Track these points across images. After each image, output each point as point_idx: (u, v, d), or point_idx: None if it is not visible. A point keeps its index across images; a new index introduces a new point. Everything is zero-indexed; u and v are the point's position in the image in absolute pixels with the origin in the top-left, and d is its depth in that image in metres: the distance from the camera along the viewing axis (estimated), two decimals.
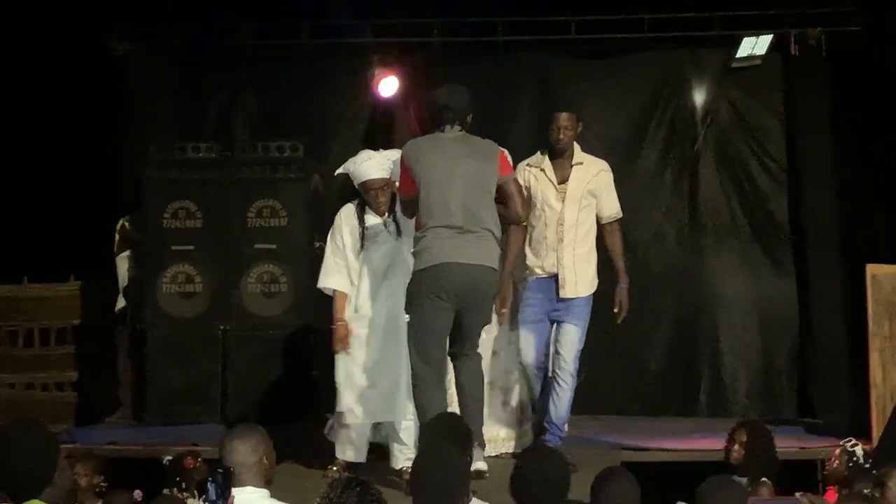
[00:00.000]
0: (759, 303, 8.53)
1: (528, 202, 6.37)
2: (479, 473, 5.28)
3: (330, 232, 6.38)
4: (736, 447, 5.72)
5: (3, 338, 8.72)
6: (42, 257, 8.53)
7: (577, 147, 6.49)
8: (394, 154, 6.17)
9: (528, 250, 6.47)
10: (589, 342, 8.20)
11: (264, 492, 4.18)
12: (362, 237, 6.19)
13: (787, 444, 6.80)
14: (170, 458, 5.99)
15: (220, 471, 3.72)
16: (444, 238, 5.48)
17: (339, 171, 6.43)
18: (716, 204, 8.67)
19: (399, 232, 6.15)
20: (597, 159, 6.64)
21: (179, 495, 5.87)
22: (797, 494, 3.25)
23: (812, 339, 8.28)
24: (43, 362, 8.66)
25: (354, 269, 6.24)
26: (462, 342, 5.69)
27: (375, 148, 6.59)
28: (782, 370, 8.44)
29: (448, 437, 4.42)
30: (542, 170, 6.42)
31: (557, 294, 6.36)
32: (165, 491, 5.90)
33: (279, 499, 4.32)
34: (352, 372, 6.17)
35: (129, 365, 8.49)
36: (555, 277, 6.36)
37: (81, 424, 8.06)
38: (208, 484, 3.72)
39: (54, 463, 3.73)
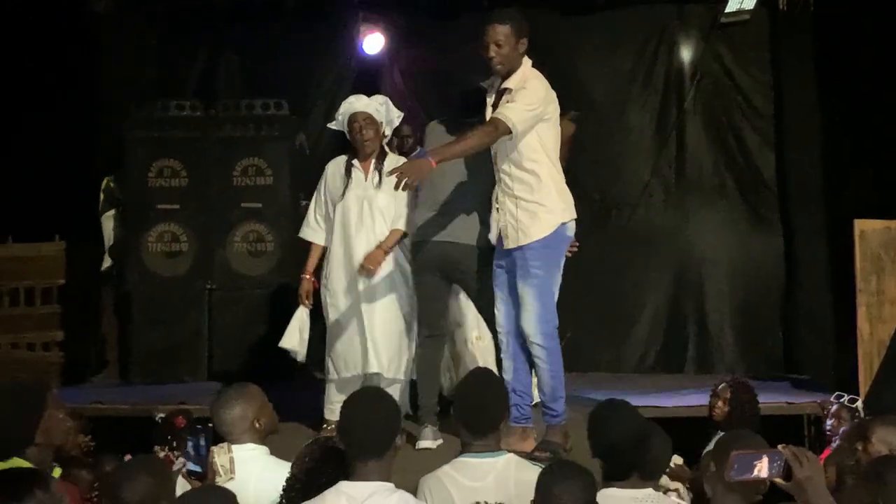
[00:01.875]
0: (745, 260, 8.54)
1: None
2: None
3: (319, 182, 6.34)
4: (719, 404, 5.77)
5: None
6: (26, 217, 8.47)
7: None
8: (381, 98, 6.25)
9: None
10: (574, 300, 8.26)
11: (264, 449, 4.20)
12: (345, 187, 6.13)
13: (774, 400, 6.85)
14: (162, 416, 5.98)
15: (201, 429, 3.70)
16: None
17: (331, 124, 6.35)
18: (703, 162, 8.66)
19: (380, 181, 6.10)
20: None
21: (170, 455, 5.87)
22: (780, 447, 3.24)
23: (798, 296, 8.30)
24: (28, 322, 8.64)
25: (333, 219, 6.19)
26: None
27: None
28: (768, 327, 8.47)
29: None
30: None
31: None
32: (156, 448, 5.91)
33: (274, 454, 4.35)
34: (333, 328, 6.18)
35: (114, 324, 8.48)
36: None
37: (67, 384, 8.05)
38: (189, 442, 3.71)
39: (34, 424, 3.73)
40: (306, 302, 6.21)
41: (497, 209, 5.65)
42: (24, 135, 8.50)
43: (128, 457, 5.55)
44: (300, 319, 6.25)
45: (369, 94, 7.09)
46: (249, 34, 8.80)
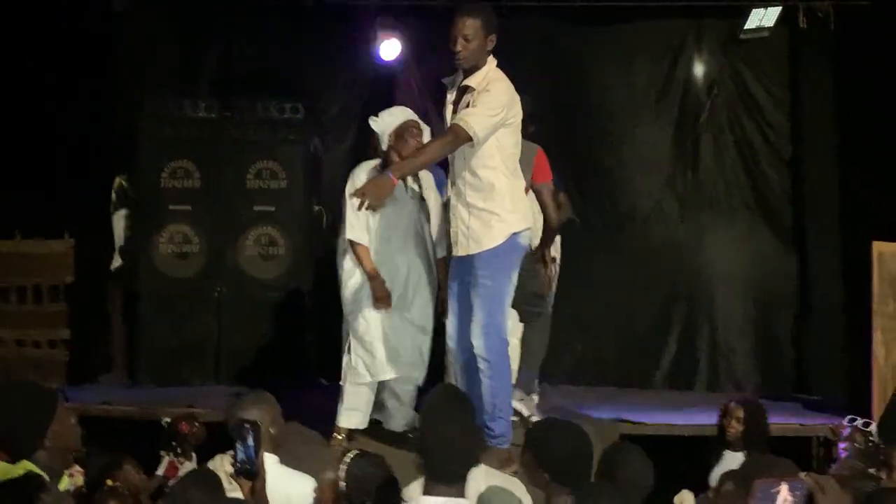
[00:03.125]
0: (759, 276, 8.49)
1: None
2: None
3: (347, 187, 6.19)
4: (733, 423, 5.72)
5: None
6: (35, 213, 8.44)
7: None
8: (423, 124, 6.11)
9: None
10: (585, 313, 8.22)
11: (274, 458, 4.16)
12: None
13: (784, 421, 6.81)
14: (168, 420, 5.94)
15: (247, 426, 3.62)
16: None
17: (374, 122, 6.20)
18: (717, 177, 8.61)
19: (422, 195, 6.06)
20: None
21: (175, 460, 5.83)
22: (802, 475, 3.21)
23: (812, 315, 8.25)
24: (35, 319, 8.58)
25: (371, 228, 6.12)
26: None
27: (375, 113, 6.55)
28: (781, 346, 8.42)
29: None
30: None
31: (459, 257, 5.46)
32: (162, 454, 5.87)
33: (283, 463, 4.31)
34: (364, 333, 6.05)
35: (122, 325, 8.43)
36: None
37: (74, 383, 8.00)
38: (236, 444, 3.64)
39: (44, 427, 3.69)
40: (387, 306, 5.94)
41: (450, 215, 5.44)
42: (34, 130, 8.46)
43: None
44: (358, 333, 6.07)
45: (385, 99, 7.09)
46: (267, 36, 8.76)
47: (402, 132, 5.97)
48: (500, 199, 5.27)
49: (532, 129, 6.00)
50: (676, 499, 5.14)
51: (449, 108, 5.36)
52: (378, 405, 6.16)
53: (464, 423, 3.56)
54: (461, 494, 3.47)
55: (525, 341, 6.33)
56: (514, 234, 5.29)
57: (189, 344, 8.07)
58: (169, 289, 8.10)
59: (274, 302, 8.10)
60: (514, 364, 5.90)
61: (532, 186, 6.05)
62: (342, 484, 3.78)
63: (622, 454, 4.03)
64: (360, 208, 5.04)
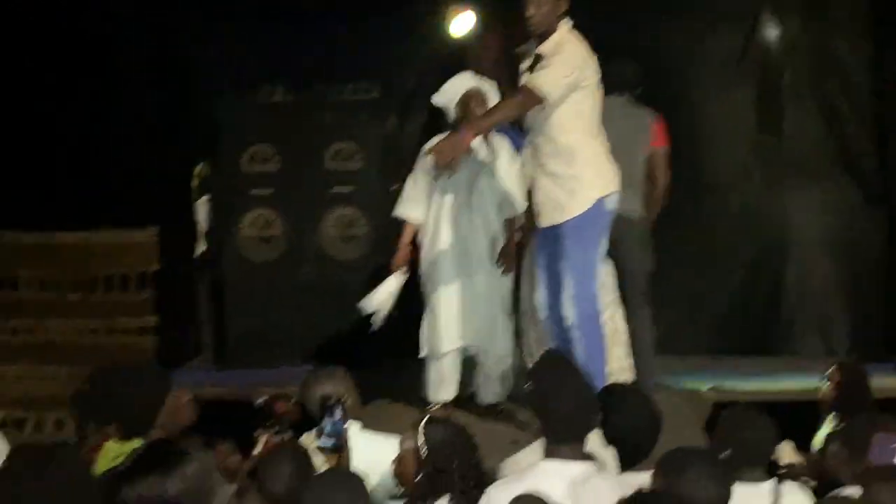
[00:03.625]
0: (846, 239, 8.33)
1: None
2: None
3: (419, 163, 6.25)
4: (829, 386, 5.64)
5: (83, 284, 8.78)
6: (119, 204, 8.55)
7: None
8: (487, 82, 6.17)
9: None
10: (672, 282, 8.14)
11: (357, 423, 4.17)
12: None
13: (879, 383, 6.68)
14: (261, 400, 5.98)
15: (334, 403, 3.66)
16: None
17: (436, 98, 6.23)
18: (802, 139, 8.43)
19: (495, 153, 6.05)
20: None
21: (271, 438, 5.88)
22: None
23: None
24: (123, 307, 8.70)
25: (432, 197, 6.12)
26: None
27: None
28: (871, 308, 8.25)
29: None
30: None
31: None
32: (258, 433, 5.92)
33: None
34: (434, 303, 6.10)
35: (209, 310, 8.53)
36: None
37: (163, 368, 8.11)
38: (325, 418, 3.67)
39: (157, 406, 3.75)
40: (403, 269, 6.08)
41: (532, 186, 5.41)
42: (116, 122, 8.57)
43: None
44: (392, 286, 6.15)
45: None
46: (339, 17, 8.75)
47: (466, 101, 5.97)
48: (582, 165, 5.22)
49: (638, 92, 6.07)
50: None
51: (524, 77, 5.30)
52: (471, 379, 6.18)
53: (581, 386, 3.57)
54: (582, 457, 3.45)
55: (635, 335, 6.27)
56: (600, 199, 5.23)
57: (274, 327, 8.14)
58: (253, 273, 8.19)
59: (356, 282, 8.11)
60: None
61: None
62: (423, 450, 3.77)
63: (746, 417, 3.97)
64: (436, 170, 5.01)
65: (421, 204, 6.16)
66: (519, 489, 3.27)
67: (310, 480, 3.36)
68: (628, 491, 3.13)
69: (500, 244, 6.05)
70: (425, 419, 3.91)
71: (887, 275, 8.23)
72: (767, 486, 3.78)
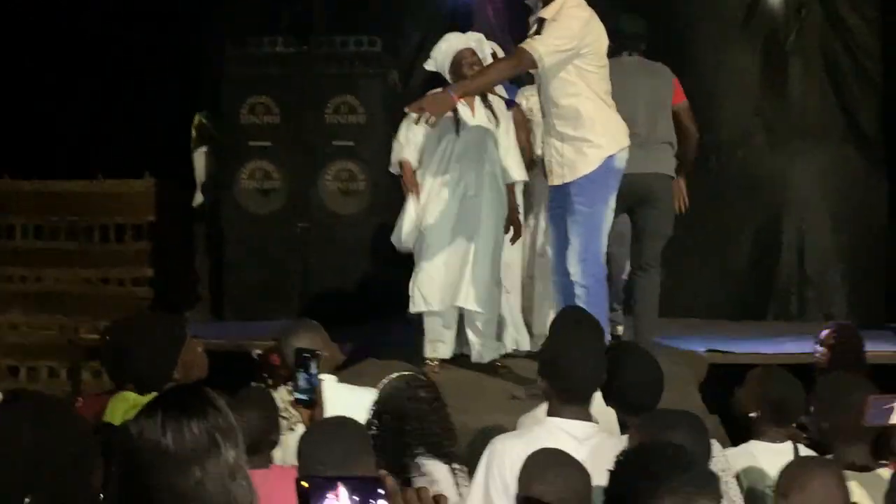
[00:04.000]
0: (849, 204, 8.30)
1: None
2: None
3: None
4: (822, 350, 5.62)
5: (79, 233, 8.74)
6: (116, 153, 8.50)
7: None
8: (474, 35, 6.18)
9: None
10: (672, 244, 8.11)
11: (332, 377, 4.15)
12: (457, 124, 5.99)
13: (878, 349, 6.67)
14: (259, 352, 5.96)
15: (307, 355, 3.64)
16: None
17: (429, 65, 6.24)
18: (806, 103, 8.39)
19: (496, 119, 6.03)
20: None
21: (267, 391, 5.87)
22: None
23: None
24: (118, 258, 8.68)
25: (427, 150, 6.08)
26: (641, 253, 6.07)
27: None
28: (872, 274, 8.25)
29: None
30: None
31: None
32: (252, 385, 5.91)
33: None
34: (425, 261, 6.09)
35: (206, 261, 8.49)
36: None
37: None
38: (299, 371, 3.66)
39: (174, 358, 3.69)
40: (416, 191, 6.04)
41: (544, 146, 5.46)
42: (114, 71, 8.50)
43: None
44: (413, 212, 6.12)
45: (463, 31, 7.00)
46: None
47: (458, 62, 5.93)
48: (588, 125, 5.24)
49: (643, 48, 6.23)
50: None
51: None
52: (466, 338, 6.17)
53: (594, 346, 3.55)
54: (587, 417, 3.45)
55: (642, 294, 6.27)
56: (609, 157, 5.25)
57: (273, 279, 8.11)
58: (251, 225, 8.14)
59: (356, 237, 8.10)
60: None
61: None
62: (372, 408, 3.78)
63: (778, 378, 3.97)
64: (417, 123, 5.16)
65: (414, 149, 6.13)
66: (525, 443, 3.27)
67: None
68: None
69: (499, 208, 6.04)
70: (392, 376, 3.89)
71: (889, 240, 8.21)
72: (787, 446, 3.79)
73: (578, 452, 3.19)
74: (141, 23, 8.34)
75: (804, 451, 3.85)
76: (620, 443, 3.27)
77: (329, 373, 4.17)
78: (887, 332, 7.47)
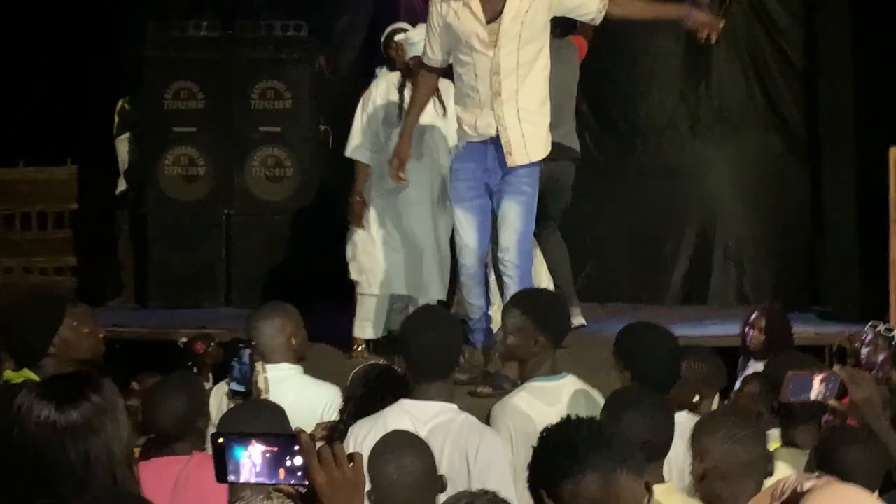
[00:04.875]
0: (773, 190, 8.40)
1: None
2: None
3: (362, 99, 6.26)
4: (755, 332, 5.70)
5: (0, 221, 8.60)
6: (38, 140, 8.36)
7: None
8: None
9: (456, 105, 5.50)
10: (597, 230, 8.16)
11: (298, 368, 4.15)
12: (400, 109, 6.03)
13: (800, 331, 6.77)
14: (184, 339, 5.91)
15: (243, 347, 3.64)
16: None
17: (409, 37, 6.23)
18: (730, 90, 8.46)
19: (444, 110, 6.06)
20: None
21: None
22: (835, 368, 3.18)
23: (824, 227, 8.18)
24: (41, 246, 8.57)
25: (379, 142, 6.11)
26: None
27: (381, 28, 6.61)
28: (795, 258, 8.36)
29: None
30: (466, 4, 5.20)
31: (502, 163, 5.30)
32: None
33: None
34: (375, 244, 6.12)
35: (130, 249, 8.37)
36: (493, 141, 5.29)
37: None
38: (233, 362, 3.64)
39: (48, 335, 3.67)
40: (363, 225, 6.15)
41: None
42: (35, 56, 8.34)
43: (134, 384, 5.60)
44: (357, 244, 6.22)
45: (388, 15, 7.06)
46: None
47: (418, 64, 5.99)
48: (546, 107, 5.32)
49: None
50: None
51: (478, 23, 5.21)
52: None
53: (443, 328, 3.62)
54: (440, 398, 3.49)
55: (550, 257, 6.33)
56: None
57: (198, 267, 8.02)
58: (176, 212, 8.03)
59: (283, 224, 8.04)
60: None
61: None
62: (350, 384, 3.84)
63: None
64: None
65: (368, 146, 6.25)
66: (377, 427, 3.37)
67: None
68: (489, 434, 3.29)
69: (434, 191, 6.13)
70: (364, 365, 3.97)
71: (811, 225, 8.33)
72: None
73: (420, 434, 3.24)
74: (60, 2, 8.19)
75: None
76: (468, 422, 3.34)
77: (295, 362, 4.17)
78: (810, 316, 7.59)
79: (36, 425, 2.05)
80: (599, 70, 8.31)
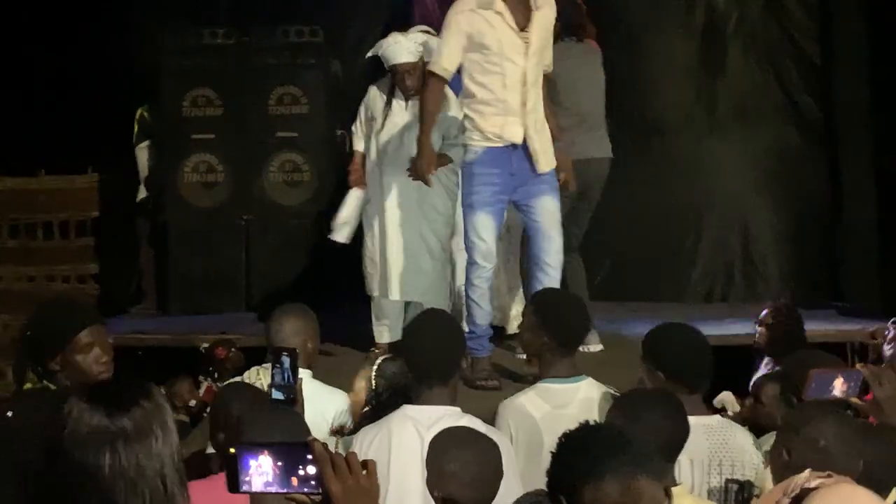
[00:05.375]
0: (791, 185, 8.36)
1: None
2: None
3: (362, 104, 6.46)
4: (762, 330, 5.69)
5: (22, 230, 8.66)
6: (59, 149, 8.41)
7: None
8: (421, 37, 6.25)
9: (471, 112, 5.58)
10: (615, 228, 8.15)
11: (307, 372, 4.15)
12: (384, 117, 6.21)
13: (819, 328, 6.75)
14: (206, 345, 5.95)
15: (285, 354, 3.61)
16: None
17: (370, 53, 6.40)
18: (747, 87, 8.44)
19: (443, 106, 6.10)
20: None
21: (212, 385, 5.85)
22: (858, 366, 3.18)
23: (844, 223, 8.15)
24: (63, 254, 8.62)
25: (374, 143, 6.30)
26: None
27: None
28: (815, 254, 8.32)
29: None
30: (499, 13, 5.35)
31: (527, 168, 5.49)
32: (200, 379, 5.89)
33: (320, 380, 4.30)
34: (379, 250, 6.17)
35: (151, 256, 8.42)
36: (515, 147, 5.46)
37: (105, 316, 7.97)
38: (273, 369, 3.63)
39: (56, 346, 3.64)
40: (358, 182, 6.37)
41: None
42: (55, 66, 8.40)
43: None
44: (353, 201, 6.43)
45: (402, 20, 7.08)
46: None
47: (396, 76, 6.16)
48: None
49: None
50: (716, 401, 5.15)
51: (513, 32, 5.40)
52: None
53: (441, 335, 3.64)
54: (443, 401, 3.51)
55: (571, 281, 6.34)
56: None
57: (218, 273, 8.06)
58: (195, 218, 8.08)
59: (301, 228, 8.07)
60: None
61: None
62: (373, 382, 3.82)
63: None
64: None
65: (363, 141, 6.46)
66: (381, 433, 3.42)
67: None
68: (492, 435, 3.25)
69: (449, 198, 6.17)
70: (383, 357, 3.96)
71: (830, 220, 8.29)
72: (716, 419, 3.82)
73: (424, 439, 3.24)
74: (77, 13, 8.24)
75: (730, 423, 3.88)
76: (471, 424, 3.34)
77: (306, 366, 4.17)
78: (831, 312, 7.56)
79: (87, 431, 2.03)
80: (615, 68, 8.34)
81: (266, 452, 1.90)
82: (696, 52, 8.50)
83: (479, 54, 5.37)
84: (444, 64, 5.45)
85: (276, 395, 3.57)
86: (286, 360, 3.55)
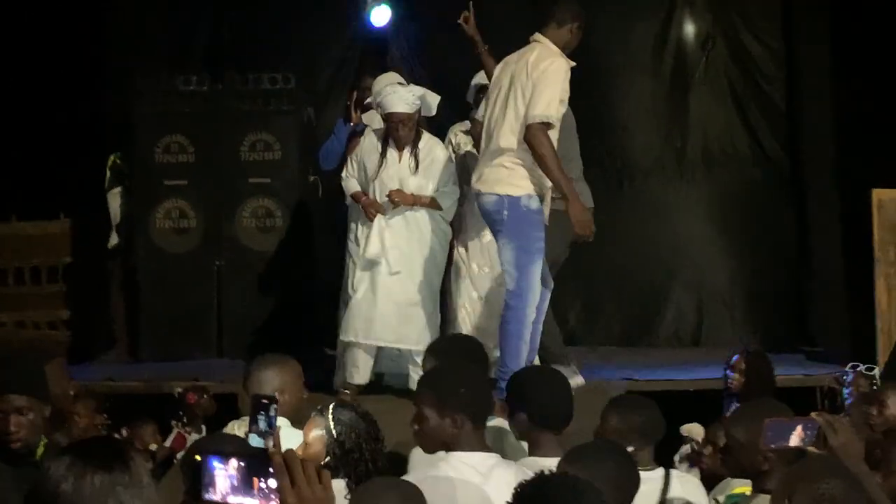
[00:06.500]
0: (758, 229, 8.47)
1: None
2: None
3: (353, 153, 6.55)
4: (735, 375, 5.72)
5: None
6: (31, 195, 8.39)
7: None
8: (419, 90, 6.38)
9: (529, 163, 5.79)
10: (586, 272, 8.21)
11: (286, 421, 4.11)
12: (379, 166, 6.28)
13: (788, 372, 6.80)
14: (180, 390, 5.94)
15: (266, 401, 3.61)
16: None
17: (368, 100, 6.57)
18: (714, 130, 8.58)
19: (416, 167, 6.20)
20: None
21: (184, 430, 5.83)
22: (813, 415, 3.18)
23: (811, 267, 8.23)
24: (34, 301, 8.55)
25: (370, 192, 6.41)
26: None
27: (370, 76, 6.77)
28: (783, 298, 8.40)
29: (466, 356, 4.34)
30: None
31: None
32: (172, 423, 5.87)
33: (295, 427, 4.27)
34: (361, 295, 6.20)
35: (122, 302, 8.40)
36: None
37: (75, 362, 7.94)
38: (258, 415, 3.61)
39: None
40: (379, 211, 6.31)
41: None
42: (27, 111, 8.40)
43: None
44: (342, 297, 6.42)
45: (377, 66, 7.16)
46: (255, 4, 8.68)
47: (391, 123, 6.28)
48: None
49: None
50: (683, 429, 5.20)
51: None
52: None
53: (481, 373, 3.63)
54: (484, 448, 3.47)
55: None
56: None
57: (190, 319, 8.05)
58: (168, 264, 8.07)
59: (273, 273, 8.06)
60: None
61: None
62: (333, 431, 3.77)
63: (633, 403, 4.04)
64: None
65: (356, 182, 6.53)
66: (433, 481, 3.30)
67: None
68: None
69: (433, 244, 6.22)
70: (333, 404, 3.90)
71: (797, 263, 8.37)
72: (658, 473, 3.83)
73: (486, 486, 3.22)
74: (49, 62, 8.27)
75: (676, 479, 3.89)
76: (520, 472, 3.31)
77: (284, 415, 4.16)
78: (798, 356, 7.61)
79: (71, 488, 2.06)
80: (586, 114, 8.44)
81: (230, 462, 1.97)
82: (664, 96, 8.60)
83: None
84: (553, 112, 5.65)
85: (256, 442, 3.56)
86: (271, 408, 3.55)
